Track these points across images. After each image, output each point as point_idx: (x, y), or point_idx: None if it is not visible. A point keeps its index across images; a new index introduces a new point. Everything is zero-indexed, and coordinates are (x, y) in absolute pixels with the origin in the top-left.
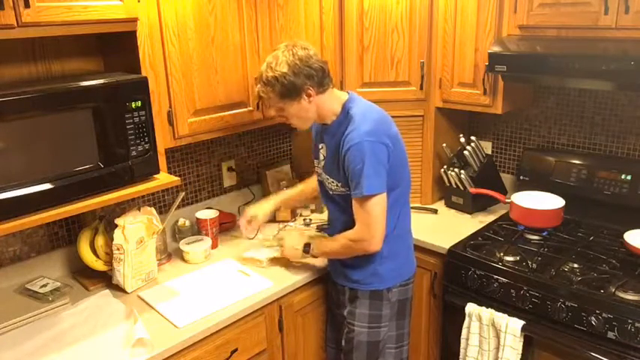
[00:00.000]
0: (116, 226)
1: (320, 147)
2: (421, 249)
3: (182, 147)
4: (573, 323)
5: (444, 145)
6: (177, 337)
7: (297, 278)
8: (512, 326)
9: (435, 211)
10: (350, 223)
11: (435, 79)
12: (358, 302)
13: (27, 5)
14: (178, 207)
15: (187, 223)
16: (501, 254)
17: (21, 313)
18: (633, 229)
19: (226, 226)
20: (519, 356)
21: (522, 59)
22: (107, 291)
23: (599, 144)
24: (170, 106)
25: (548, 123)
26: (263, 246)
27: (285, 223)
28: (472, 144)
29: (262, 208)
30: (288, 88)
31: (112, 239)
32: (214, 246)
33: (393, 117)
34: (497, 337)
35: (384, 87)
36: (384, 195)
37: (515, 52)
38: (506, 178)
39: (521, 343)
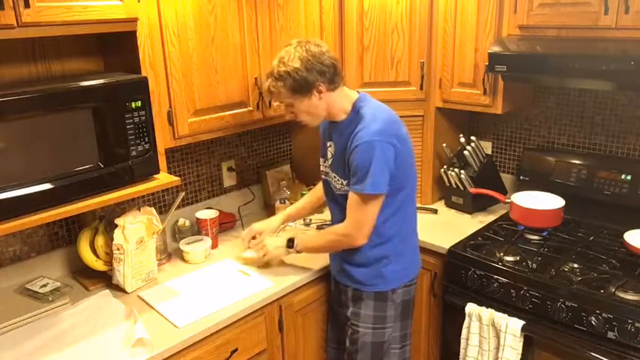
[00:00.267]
0: (116, 226)
1: (328, 145)
2: (421, 249)
3: (182, 147)
4: (573, 323)
5: (444, 145)
6: (177, 337)
7: (298, 278)
8: (512, 326)
9: (435, 211)
10: None
11: (435, 79)
12: (362, 303)
13: (27, 5)
14: (178, 207)
15: (187, 223)
16: (501, 254)
17: (21, 313)
18: (633, 229)
19: (226, 226)
20: (519, 356)
21: (522, 59)
22: (107, 291)
23: (599, 144)
24: (170, 106)
25: (548, 123)
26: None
27: (286, 224)
28: (472, 144)
29: (269, 224)
30: (300, 84)
31: (112, 239)
32: (214, 246)
33: None
34: (497, 337)
35: (384, 87)
36: (384, 195)
37: (515, 52)
38: (506, 178)
39: (521, 343)
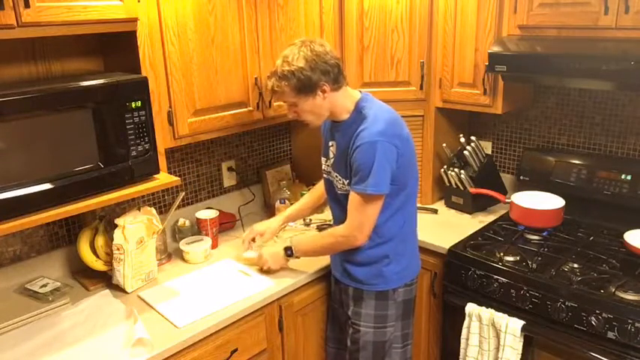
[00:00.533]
0: (116, 226)
1: (330, 144)
2: (421, 249)
3: (182, 147)
4: (573, 323)
5: (444, 145)
6: (177, 337)
7: (298, 278)
8: (512, 326)
9: (435, 211)
10: None
11: (435, 79)
12: (363, 303)
13: (27, 5)
14: (178, 207)
15: (187, 223)
16: (501, 254)
17: (21, 313)
18: (633, 229)
19: (226, 226)
20: (519, 356)
21: (522, 59)
22: (107, 291)
23: (599, 144)
24: (170, 106)
25: (548, 123)
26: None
27: (286, 224)
28: (472, 144)
29: (270, 225)
30: (304, 83)
31: (112, 239)
32: (214, 246)
33: None
34: (497, 337)
35: (384, 87)
36: (384, 196)
37: (515, 52)
38: (506, 178)
39: (521, 343)
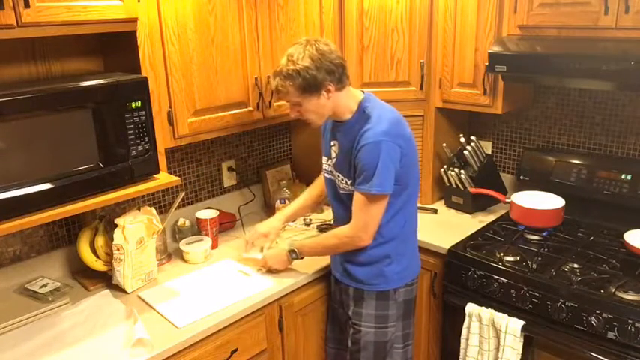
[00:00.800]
0: (116, 226)
1: (332, 144)
2: (421, 249)
3: (182, 147)
4: (573, 323)
5: (444, 145)
6: (177, 337)
7: (298, 278)
8: (512, 326)
9: (435, 211)
10: None
11: (435, 79)
12: (364, 303)
13: (27, 5)
14: (178, 207)
15: (187, 223)
16: (501, 254)
17: (21, 313)
18: (633, 229)
19: (226, 226)
20: (519, 356)
21: (522, 59)
22: (107, 291)
23: (599, 144)
24: (170, 106)
25: (548, 123)
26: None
27: (286, 224)
28: (472, 144)
29: (273, 226)
30: (309, 83)
31: (112, 239)
32: (214, 246)
33: None
34: (497, 337)
35: (384, 87)
36: (388, 196)
37: (515, 52)
38: (506, 178)
39: (521, 343)
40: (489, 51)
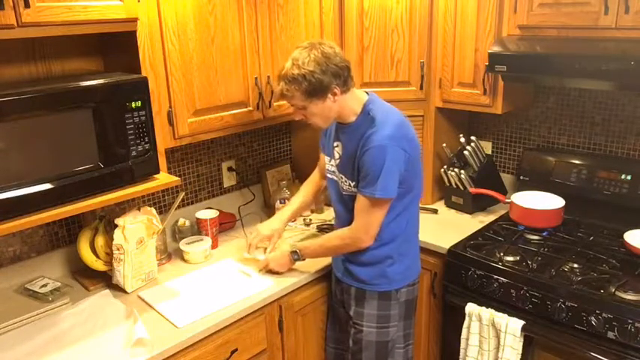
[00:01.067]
0: (116, 226)
1: (335, 145)
2: (421, 249)
3: (182, 147)
4: (573, 323)
5: (444, 145)
6: (177, 337)
7: (298, 278)
8: (512, 326)
9: (435, 211)
10: None
11: (435, 79)
12: (366, 303)
13: (27, 5)
14: (178, 207)
15: (187, 223)
16: (501, 254)
17: (21, 313)
18: (633, 229)
19: (226, 226)
20: (519, 356)
21: (522, 59)
22: (107, 291)
23: (599, 144)
24: (170, 106)
25: (548, 123)
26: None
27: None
28: (472, 144)
29: (275, 227)
30: (315, 87)
31: (112, 239)
32: (214, 246)
33: None
34: (497, 337)
35: (384, 87)
36: (391, 200)
37: (515, 52)
38: (506, 178)
39: (521, 343)
40: (489, 51)
